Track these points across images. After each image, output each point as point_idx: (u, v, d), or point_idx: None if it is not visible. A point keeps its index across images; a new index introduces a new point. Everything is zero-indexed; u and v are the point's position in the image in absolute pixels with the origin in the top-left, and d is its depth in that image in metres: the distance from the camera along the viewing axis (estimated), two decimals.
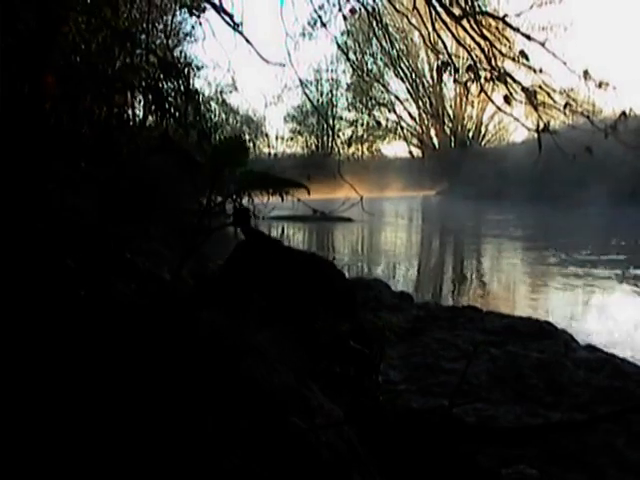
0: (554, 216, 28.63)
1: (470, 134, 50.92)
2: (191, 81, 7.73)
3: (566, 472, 3.68)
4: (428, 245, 24.22)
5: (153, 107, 6.96)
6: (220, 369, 2.04)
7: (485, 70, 11.23)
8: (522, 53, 11.04)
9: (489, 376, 4.97)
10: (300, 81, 16.36)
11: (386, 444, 2.94)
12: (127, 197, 2.96)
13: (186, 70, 7.76)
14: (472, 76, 11.36)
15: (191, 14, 10.12)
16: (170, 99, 6.79)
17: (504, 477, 3.37)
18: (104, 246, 2.61)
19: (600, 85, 10.73)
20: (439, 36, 12.33)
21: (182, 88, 6.92)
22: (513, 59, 11.46)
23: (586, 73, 10.87)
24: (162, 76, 7.21)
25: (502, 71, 11.12)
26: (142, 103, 8.22)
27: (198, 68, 11.39)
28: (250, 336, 2.39)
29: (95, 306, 2.11)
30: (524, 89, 10.93)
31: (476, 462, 3.45)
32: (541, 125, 11.30)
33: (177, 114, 6.87)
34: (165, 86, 6.99)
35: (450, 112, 51.06)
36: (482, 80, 11.36)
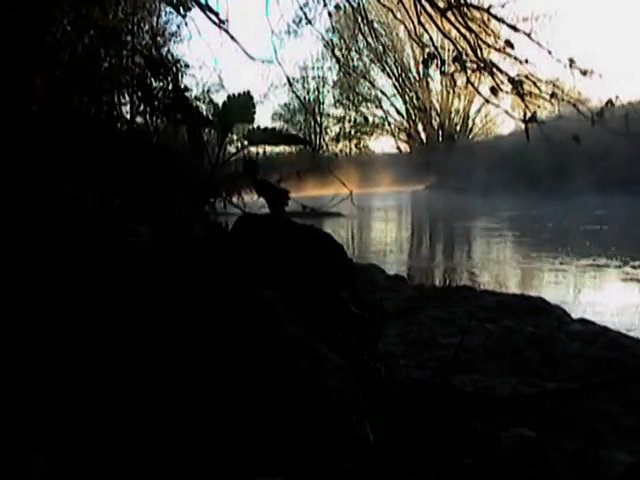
0: (556, 209, 28.21)
1: (457, 128, 51.07)
2: (180, 79, 7.77)
3: (563, 438, 3.76)
4: (418, 238, 24.37)
5: (142, 105, 7.01)
6: (229, 318, 2.13)
7: (472, 62, 11.35)
8: (508, 42, 11.16)
9: (485, 350, 5.06)
10: (287, 79, 16.41)
11: (387, 408, 3.03)
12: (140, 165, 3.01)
13: (174, 68, 7.81)
14: (458, 67, 11.49)
15: (177, 12, 10.19)
16: (159, 97, 6.84)
17: (503, 440, 3.46)
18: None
19: (585, 73, 10.86)
20: (425, 29, 12.43)
21: (171, 86, 6.97)
22: (499, 50, 11.59)
23: (572, 61, 11.00)
24: (150, 74, 7.27)
25: (489, 62, 11.24)
26: (130, 102, 8.25)
27: (187, 66, 11.43)
28: (256, 291, 2.48)
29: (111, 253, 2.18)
30: (511, 79, 11.04)
31: (474, 428, 3.54)
32: (528, 115, 11.42)
33: (166, 111, 6.92)
34: (154, 84, 7.03)
35: (437, 106, 51.17)
36: (468, 71, 11.49)
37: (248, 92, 1.81)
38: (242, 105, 1.77)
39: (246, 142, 1.84)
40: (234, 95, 1.78)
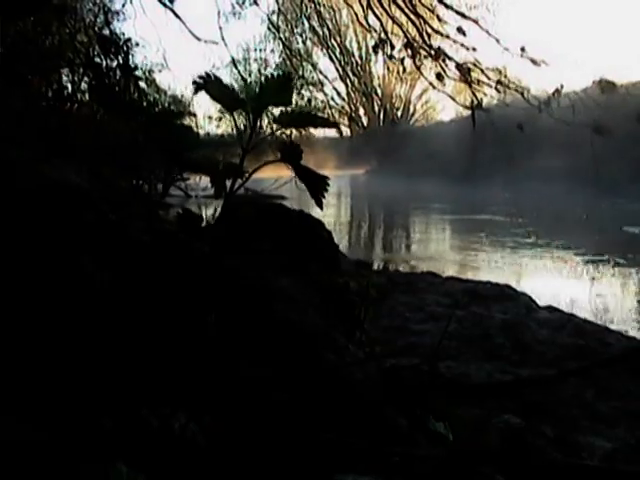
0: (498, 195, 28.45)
1: (399, 113, 51.19)
2: (130, 58, 7.62)
3: (542, 424, 3.80)
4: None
5: (92, 83, 6.85)
6: (253, 309, 2.08)
7: (420, 47, 11.40)
8: (459, 30, 11.23)
9: (457, 336, 5.09)
10: (232, 59, 16.20)
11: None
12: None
13: (125, 46, 7.65)
14: (409, 53, 11.52)
15: None
16: (110, 75, 6.68)
17: (489, 426, 3.48)
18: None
19: (535, 62, 11.00)
20: (374, 14, 12.43)
21: (121, 64, 6.81)
22: (447, 37, 11.66)
23: (523, 50, 11.13)
24: (101, 52, 7.11)
25: (439, 48, 11.31)
26: (72, 79, 8.06)
27: (137, 44, 11.24)
28: (274, 280, 2.43)
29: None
30: (458, 66, 11.13)
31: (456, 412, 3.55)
32: (474, 102, 11.54)
33: (117, 89, 6.77)
34: (104, 62, 6.88)
35: (379, 91, 51.17)
36: (417, 57, 11.53)
37: (288, 73, 1.76)
38: (279, 86, 1.72)
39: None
40: (272, 75, 1.73)
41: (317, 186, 1.71)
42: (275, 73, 1.74)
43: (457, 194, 29.75)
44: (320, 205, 1.72)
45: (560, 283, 10.91)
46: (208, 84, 1.76)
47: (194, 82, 1.72)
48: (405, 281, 7.04)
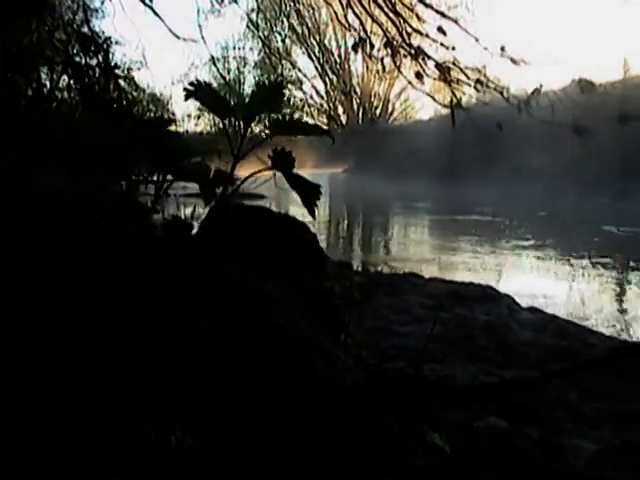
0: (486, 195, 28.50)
1: (377, 111, 51.17)
2: (110, 57, 7.55)
3: (526, 426, 3.80)
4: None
5: (72, 82, 6.78)
6: (249, 313, 2.06)
7: (399, 46, 11.40)
8: (439, 29, 11.24)
9: (441, 338, 5.08)
10: (212, 58, 16.15)
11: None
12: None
13: (105, 45, 7.59)
14: (389, 52, 11.52)
15: None
16: (89, 74, 6.62)
17: (476, 430, 3.47)
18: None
19: (515, 61, 11.04)
20: (354, 12, 12.42)
21: (101, 63, 6.75)
22: (427, 36, 11.66)
23: (503, 49, 11.16)
24: (80, 51, 7.03)
25: (418, 47, 11.31)
26: (50, 77, 7.96)
27: (117, 42, 11.13)
28: (264, 284, 2.41)
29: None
30: (438, 65, 11.14)
31: (448, 418, 3.54)
32: (454, 101, 11.56)
33: (96, 89, 6.71)
34: (84, 61, 6.81)
35: (357, 89, 51.14)
36: (396, 56, 11.53)
37: (280, 81, 1.75)
38: (270, 94, 1.70)
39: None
40: (263, 82, 1.71)
41: (310, 195, 1.69)
42: (266, 81, 1.72)
43: (438, 193, 29.79)
44: (312, 214, 1.71)
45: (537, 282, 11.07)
46: (199, 91, 1.73)
47: (185, 89, 1.69)
48: (388, 282, 7.02)
